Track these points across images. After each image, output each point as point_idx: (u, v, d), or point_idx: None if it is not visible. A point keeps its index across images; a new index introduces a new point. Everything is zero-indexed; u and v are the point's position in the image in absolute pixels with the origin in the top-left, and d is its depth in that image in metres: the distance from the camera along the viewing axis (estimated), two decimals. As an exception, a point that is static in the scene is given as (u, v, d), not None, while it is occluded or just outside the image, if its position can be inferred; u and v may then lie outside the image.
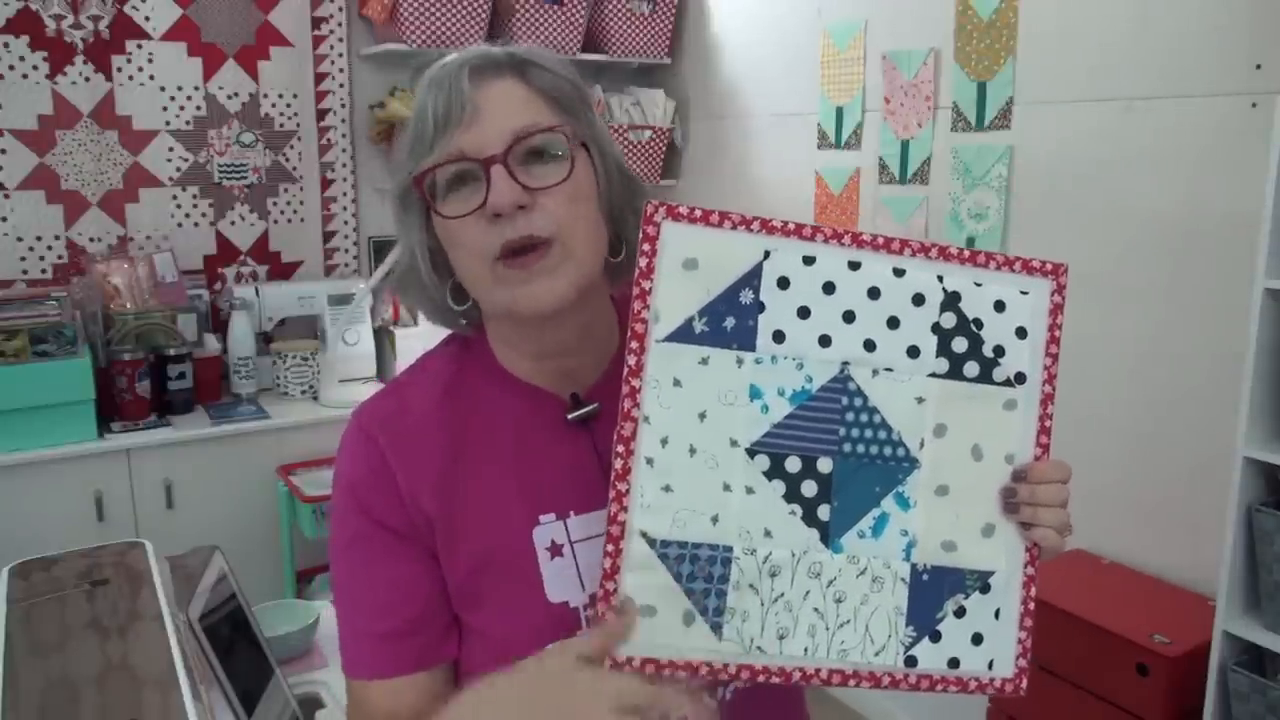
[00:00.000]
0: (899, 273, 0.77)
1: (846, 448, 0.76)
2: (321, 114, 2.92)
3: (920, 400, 0.77)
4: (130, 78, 2.65)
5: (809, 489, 0.75)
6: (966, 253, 0.79)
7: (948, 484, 0.78)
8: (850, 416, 0.76)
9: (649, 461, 0.73)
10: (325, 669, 1.43)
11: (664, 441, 0.73)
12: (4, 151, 2.53)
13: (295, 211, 2.94)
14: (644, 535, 0.73)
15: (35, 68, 2.53)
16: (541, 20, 2.93)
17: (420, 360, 0.93)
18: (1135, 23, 1.93)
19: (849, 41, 2.57)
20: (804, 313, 0.75)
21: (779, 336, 0.74)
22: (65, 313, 2.40)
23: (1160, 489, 1.97)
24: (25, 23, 2.50)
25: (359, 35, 2.95)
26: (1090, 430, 2.07)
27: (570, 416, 0.86)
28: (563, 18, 2.95)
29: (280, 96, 2.85)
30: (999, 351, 0.80)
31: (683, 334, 0.73)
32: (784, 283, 0.74)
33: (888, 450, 0.76)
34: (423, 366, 0.92)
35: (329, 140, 2.94)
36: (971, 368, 0.79)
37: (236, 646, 1.03)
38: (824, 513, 0.75)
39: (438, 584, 0.84)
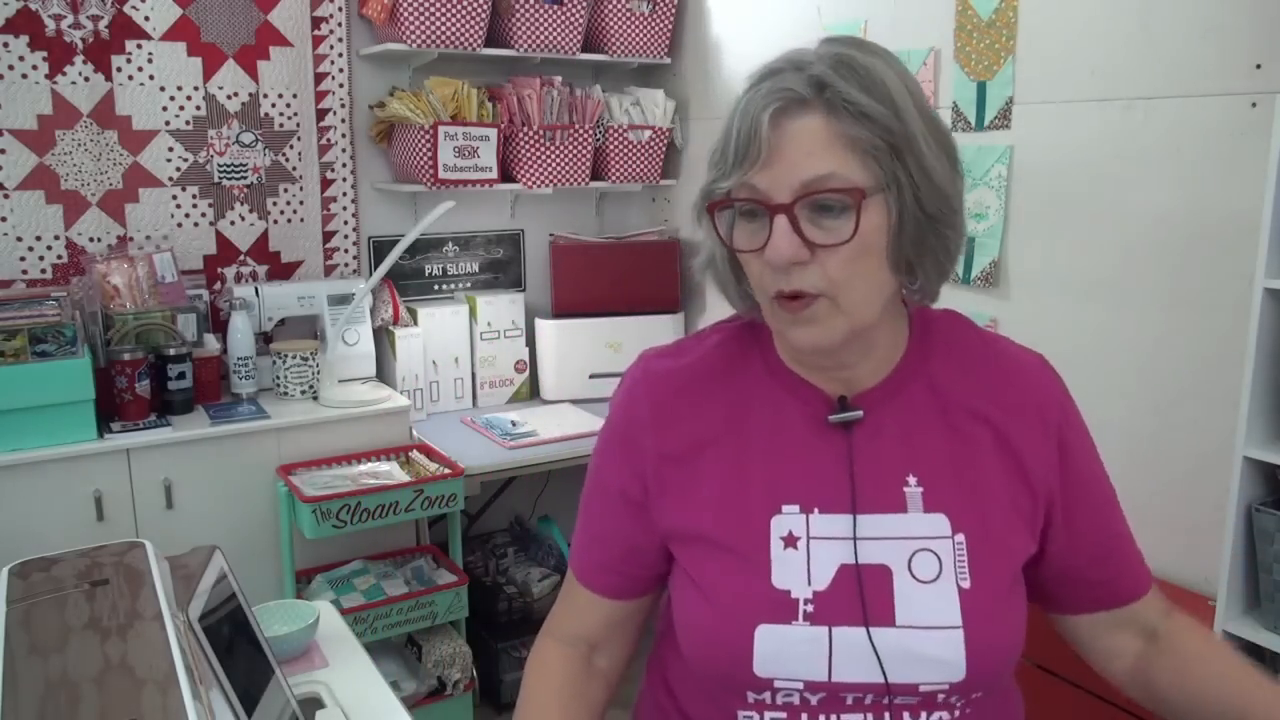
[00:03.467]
0: None
1: None
2: (321, 114, 2.92)
3: None
4: (130, 78, 2.65)
5: None
6: None
7: None
8: None
9: None
10: (325, 669, 1.43)
11: None
12: (4, 151, 2.53)
13: (295, 211, 2.94)
14: None
15: (35, 68, 2.53)
16: (541, 20, 2.93)
17: (710, 327, 0.99)
18: (1135, 23, 1.93)
19: (849, 41, 2.58)
20: None
21: None
22: (65, 313, 2.39)
23: (1160, 489, 1.97)
24: (25, 23, 2.50)
25: (359, 35, 2.94)
26: (1090, 430, 2.06)
27: (832, 419, 0.89)
28: (562, 18, 2.95)
29: (280, 96, 2.85)
30: None
31: None
32: None
33: None
34: (709, 334, 0.98)
35: (329, 140, 2.94)
36: None
37: (236, 646, 1.03)
38: None
39: (641, 540, 0.94)
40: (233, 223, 2.85)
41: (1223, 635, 1.66)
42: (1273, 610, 1.62)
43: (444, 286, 3.21)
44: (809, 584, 0.85)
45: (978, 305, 2.30)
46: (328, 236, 3.00)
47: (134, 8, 2.62)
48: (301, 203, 2.94)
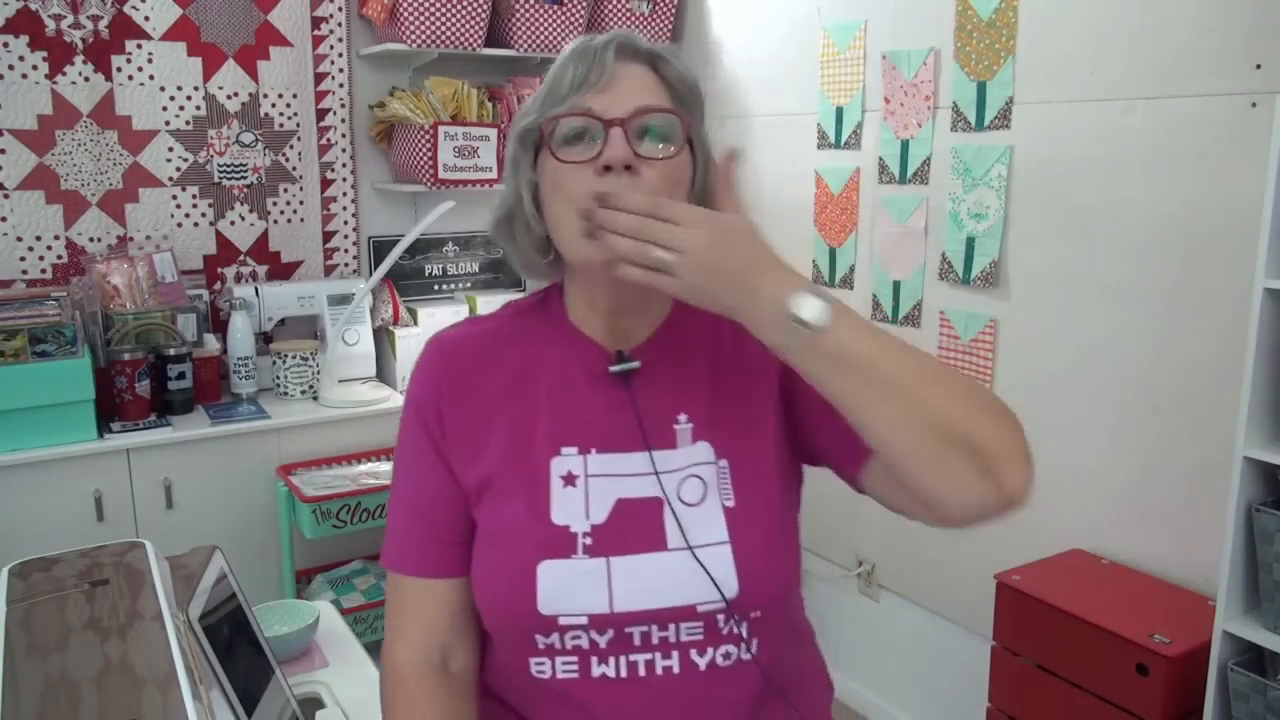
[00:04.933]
0: None
1: None
2: (321, 114, 2.92)
3: None
4: (130, 78, 2.65)
5: None
6: None
7: None
8: None
9: None
10: (325, 669, 1.43)
11: None
12: (4, 151, 2.53)
13: (295, 211, 2.94)
14: None
15: (35, 68, 2.53)
16: (541, 20, 2.93)
17: (506, 303, 1.05)
18: (1135, 22, 1.93)
19: (849, 41, 2.57)
20: None
21: None
22: (65, 313, 2.40)
23: (1160, 489, 1.97)
24: (25, 23, 2.50)
25: (359, 35, 2.94)
26: (1090, 430, 2.07)
27: (612, 369, 0.96)
28: (563, 18, 2.95)
29: (280, 96, 2.85)
30: None
31: None
32: None
33: None
34: (504, 307, 1.04)
35: (329, 140, 2.94)
36: None
37: (236, 646, 1.03)
38: None
39: (461, 502, 0.96)
40: (233, 223, 2.85)
41: (1223, 635, 1.66)
42: (1273, 610, 1.62)
43: (444, 286, 3.21)
44: (587, 518, 0.91)
45: (978, 305, 2.30)
46: (328, 236, 3.00)
47: (134, 8, 2.62)
48: (301, 203, 2.94)
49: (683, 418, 0.96)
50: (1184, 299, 1.90)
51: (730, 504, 0.93)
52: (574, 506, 0.92)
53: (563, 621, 0.89)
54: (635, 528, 0.91)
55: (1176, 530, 1.95)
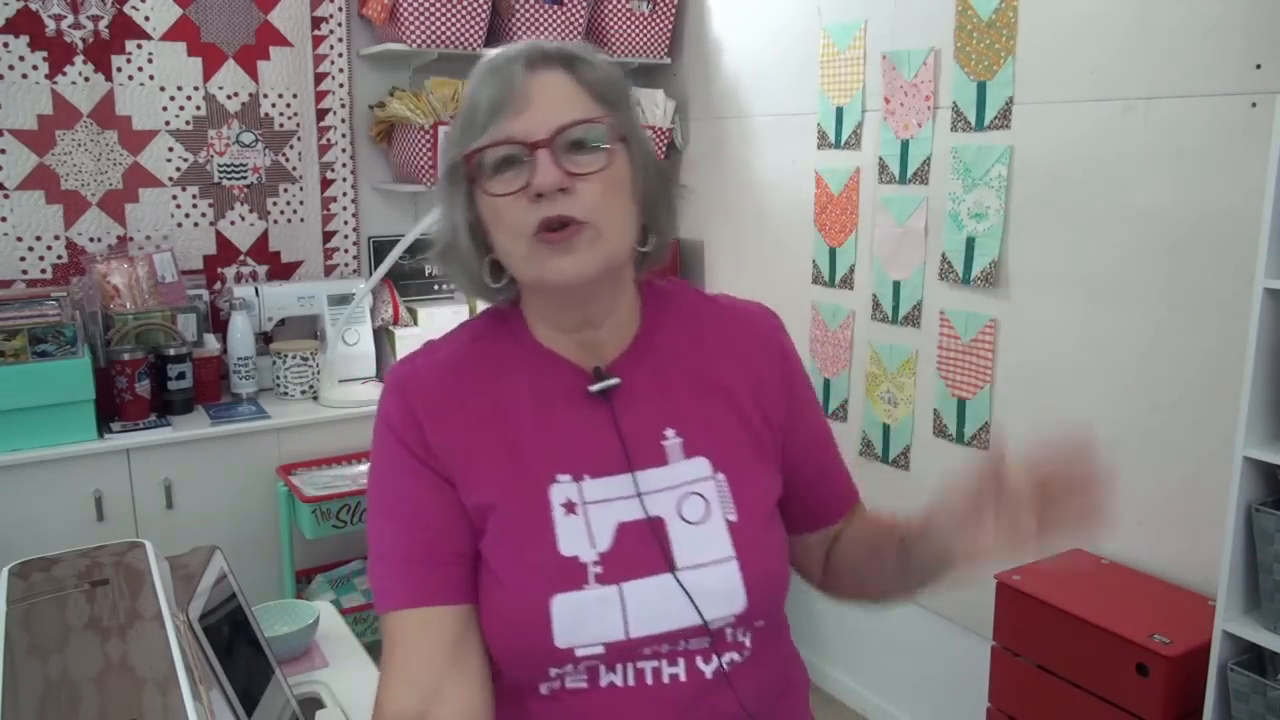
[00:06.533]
0: None
1: None
2: (321, 114, 2.92)
3: None
4: (130, 78, 2.65)
5: None
6: None
7: None
8: None
9: None
10: (325, 669, 1.43)
11: None
12: (4, 151, 2.53)
13: (295, 211, 2.94)
14: None
15: (35, 68, 2.53)
16: (541, 20, 2.93)
17: (460, 325, 1.01)
18: (1135, 23, 1.93)
19: (849, 41, 2.57)
20: None
21: None
22: (65, 313, 2.40)
23: (1160, 489, 1.97)
24: (25, 23, 2.50)
25: (359, 35, 2.94)
26: (1092, 426, 2.06)
27: (592, 389, 0.93)
28: (562, 18, 2.95)
29: (280, 96, 2.85)
30: None
31: None
32: None
33: None
34: (459, 330, 1.00)
35: (329, 140, 2.94)
36: None
37: (236, 646, 1.03)
38: None
39: (458, 515, 0.90)
40: (233, 223, 2.85)
41: (1223, 635, 1.66)
42: (1273, 610, 1.62)
43: (444, 286, 3.21)
44: (593, 546, 0.89)
45: (978, 305, 2.30)
46: (328, 236, 3.00)
47: (134, 8, 2.62)
48: (301, 203, 2.94)
49: (670, 432, 0.93)
50: (1184, 299, 1.90)
51: (733, 518, 0.92)
52: (579, 535, 0.89)
53: (579, 652, 0.87)
54: (642, 551, 0.89)
55: (1176, 530, 1.95)
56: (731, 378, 0.97)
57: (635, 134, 0.91)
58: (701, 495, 0.92)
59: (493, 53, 0.90)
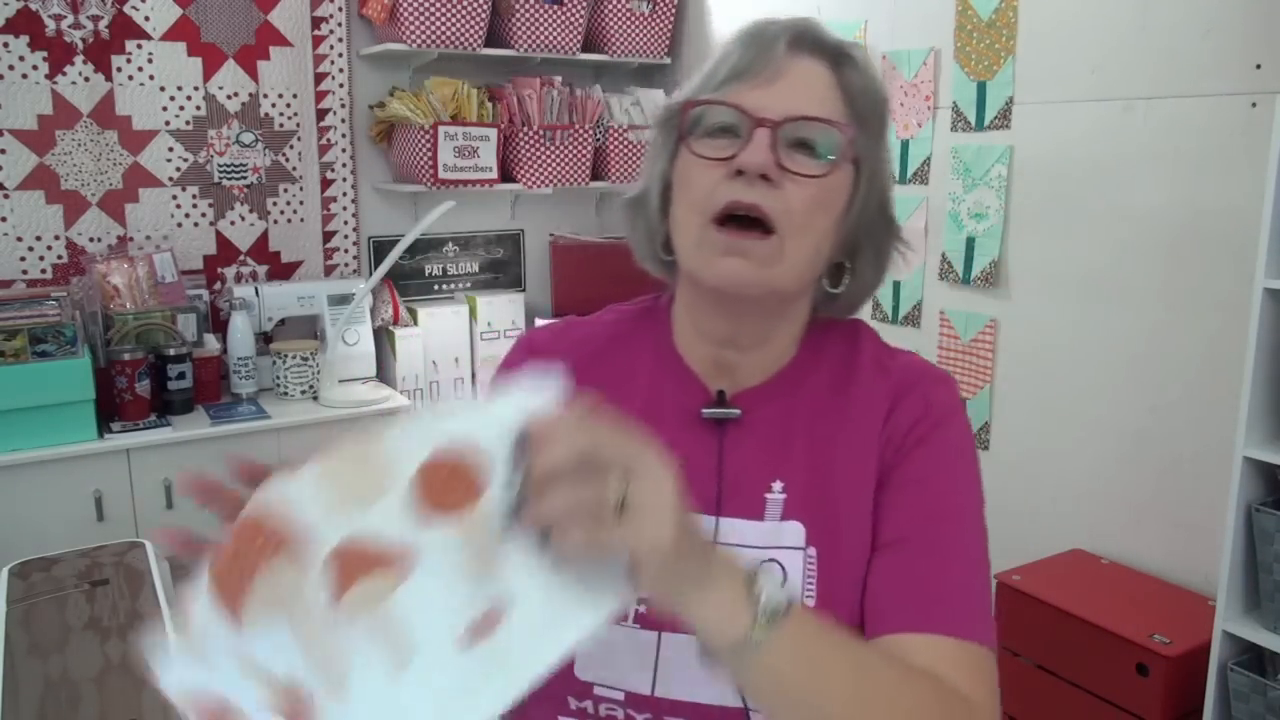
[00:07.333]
0: None
1: None
2: (321, 114, 2.92)
3: None
4: (130, 78, 2.65)
5: None
6: None
7: None
8: None
9: None
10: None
11: None
12: (4, 151, 2.53)
13: (295, 211, 2.94)
14: None
15: (35, 68, 2.53)
16: (541, 20, 2.92)
17: (607, 308, 0.93)
18: (1135, 23, 1.93)
19: (849, 41, 2.58)
20: None
21: None
22: (65, 313, 2.39)
23: (1160, 489, 1.97)
24: (25, 23, 2.50)
25: (359, 35, 2.94)
26: (1090, 430, 2.06)
27: (705, 412, 0.83)
28: (562, 18, 2.95)
29: (280, 96, 2.85)
30: None
31: None
32: None
33: None
34: (604, 312, 0.93)
35: (329, 140, 2.94)
36: None
37: (236, 646, 1.03)
38: None
39: None
40: (233, 223, 2.85)
41: (1223, 635, 1.66)
42: (1273, 610, 1.62)
43: (444, 286, 3.21)
44: None
45: (978, 305, 2.30)
46: (328, 236, 3.00)
47: (134, 8, 2.62)
48: (301, 203, 2.94)
49: (777, 486, 0.82)
50: (1184, 299, 1.90)
51: (811, 604, 0.79)
52: None
53: (598, 691, 0.80)
54: None
55: (1176, 530, 1.95)
56: (858, 440, 0.82)
57: (873, 162, 0.80)
58: (781, 565, 0.80)
59: (764, 17, 0.83)
